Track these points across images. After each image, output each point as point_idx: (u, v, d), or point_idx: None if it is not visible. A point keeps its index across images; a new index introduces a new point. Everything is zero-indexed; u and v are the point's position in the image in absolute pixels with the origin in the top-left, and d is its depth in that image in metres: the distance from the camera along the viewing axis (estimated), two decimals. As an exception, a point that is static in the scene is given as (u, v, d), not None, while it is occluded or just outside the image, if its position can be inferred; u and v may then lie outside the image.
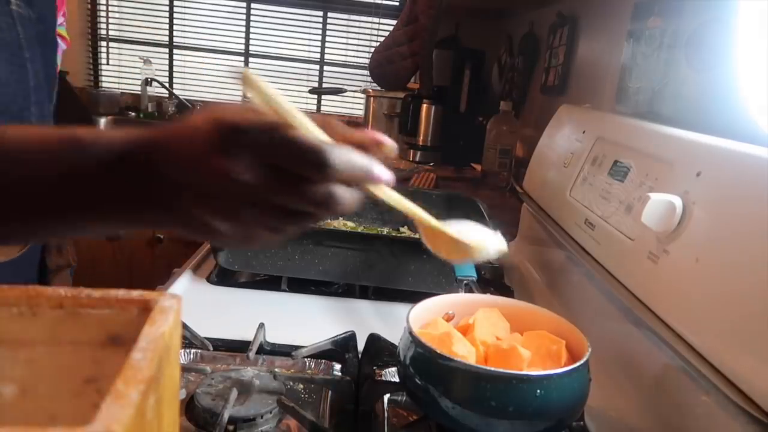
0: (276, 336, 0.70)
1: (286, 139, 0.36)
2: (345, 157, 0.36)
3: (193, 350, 0.67)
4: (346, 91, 2.45)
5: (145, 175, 0.39)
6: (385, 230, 1.12)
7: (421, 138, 2.02)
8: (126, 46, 2.65)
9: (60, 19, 1.25)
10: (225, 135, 0.36)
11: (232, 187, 0.36)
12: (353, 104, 2.70)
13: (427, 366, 0.52)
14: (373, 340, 0.70)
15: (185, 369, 0.63)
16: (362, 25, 2.65)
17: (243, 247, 0.42)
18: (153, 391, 0.21)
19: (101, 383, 0.26)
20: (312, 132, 0.37)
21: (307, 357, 0.68)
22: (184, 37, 2.65)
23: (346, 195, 0.37)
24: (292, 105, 0.37)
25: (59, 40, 1.29)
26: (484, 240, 0.49)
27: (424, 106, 1.99)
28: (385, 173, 0.39)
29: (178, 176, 0.38)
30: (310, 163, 0.35)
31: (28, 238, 0.50)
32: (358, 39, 2.68)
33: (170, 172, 0.38)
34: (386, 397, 0.63)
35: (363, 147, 0.39)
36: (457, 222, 0.49)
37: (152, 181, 0.39)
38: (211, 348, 0.67)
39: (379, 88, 2.16)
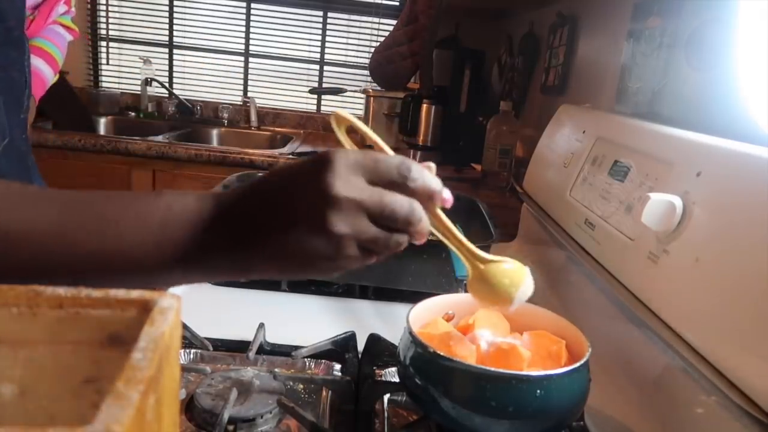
0: (276, 336, 0.70)
1: (380, 157, 0.42)
2: (422, 171, 0.43)
3: (193, 350, 0.67)
4: (346, 91, 2.45)
5: (259, 214, 0.42)
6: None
7: (421, 138, 2.02)
8: (126, 46, 2.65)
9: (63, 8, 1.21)
10: (337, 165, 0.40)
11: (341, 215, 0.40)
12: (353, 104, 2.70)
13: (427, 366, 0.52)
14: (373, 340, 0.70)
15: (185, 369, 0.63)
16: (362, 25, 2.65)
17: (330, 274, 0.49)
18: (153, 391, 0.21)
19: (101, 383, 0.26)
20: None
21: (307, 357, 0.68)
22: (184, 37, 2.65)
23: (423, 214, 0.43)
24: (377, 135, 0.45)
25: (63, 30, 1.24)
26: (519, 288, 0.50)
27: (424, 106, 1.99)
28: (448, 194, 0.46)
29: (291, 208, 0.41)
30: (400, 173, 0.42)
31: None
32: (358, 39, 2.68)
33: (283, 204, 0.41)
34: (386, 397, 0.63)
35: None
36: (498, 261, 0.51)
37: (265, 217, 0.41)
38: (211, 348, 0.67)
39: (379, 88, 2.16)
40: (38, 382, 0.26)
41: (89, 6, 2.56)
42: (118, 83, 2.67)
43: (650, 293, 0.61)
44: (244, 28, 2.63)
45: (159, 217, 0.41)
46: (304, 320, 0.82)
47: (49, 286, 0.26)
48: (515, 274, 0.50)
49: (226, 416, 0.54)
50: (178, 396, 0.31)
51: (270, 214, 0.41)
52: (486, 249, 0.89)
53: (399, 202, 0.42)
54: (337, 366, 0.68)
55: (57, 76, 1.23)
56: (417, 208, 0.43)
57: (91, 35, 2.60)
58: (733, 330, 0.49)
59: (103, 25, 2.60)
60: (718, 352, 0.50)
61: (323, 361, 0.68)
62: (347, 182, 0.40)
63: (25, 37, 0.66)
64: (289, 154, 2.00)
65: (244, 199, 0.43)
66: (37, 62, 1.14)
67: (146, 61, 2.55)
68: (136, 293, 0.26)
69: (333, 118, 0.46)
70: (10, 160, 0.67)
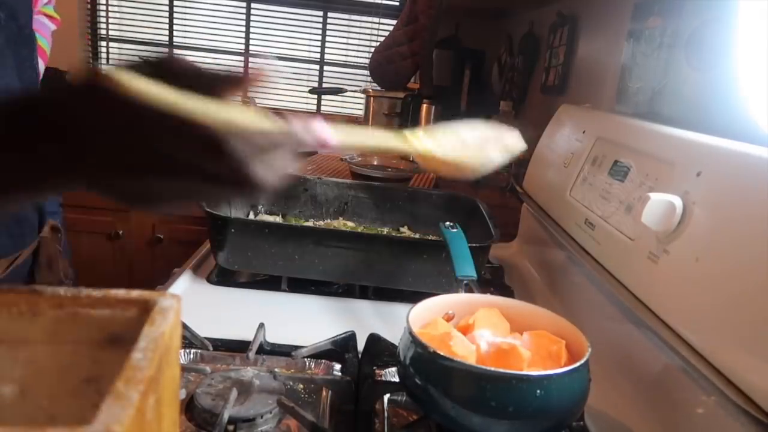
0: (276, 336, 0.70)
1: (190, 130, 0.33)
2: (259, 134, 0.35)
3: (193, 350, 0.67)
4: (346, 91, 2.45)
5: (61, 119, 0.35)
6: (385, 230, 1.12)
7: (421, 138, 2.02)
8: (126, 46, 2.65)
9: None
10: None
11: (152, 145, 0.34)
12: (353, 104, 2.70)
13: (427, 366, 0.52)
14: (373, 340, 0.70)
15: (185, 369, 0.63)
16: (362, 25, 2.65)
17: (150, 208, 0.41)
18: (153, 391, 0.21)
19: (101, 383, 0.26)
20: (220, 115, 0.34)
21: (307, 357, 0.68)
22: (184, 37, 2.65)
23: (264, 174, 0.35)
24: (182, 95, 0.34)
25: (47, 20, 1.21)
26: (484, 150, 0.41)
27: (424, 106, 1.99)
28: (322, 131, 0.37)
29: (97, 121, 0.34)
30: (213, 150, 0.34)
31: None
32: (358, 39, 2.68)
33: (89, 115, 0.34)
34: (386, 397, 0.63)
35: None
36: (460, 125, 0.41)
37: (68, 125, 0.35)
38: (211, 348, 0.67)
39: (379, 88, 2.16)
40: (38, 382, 0.26)
41: (89, 6, 2.56)
42: (118, 83, 2.67)
43: (650, 293, 0.61)
44: (244, 28, 2.64)
45: None
46: (304, 320, 0.82)
47: (49, 287, 0.26)
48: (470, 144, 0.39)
49: (226, 416, 0.54)
50: (178, 396, 0.31)
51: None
52: (486, 249, 0.89)
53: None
54: (337, 366, 0.68)
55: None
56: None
57: (91, 35, 2.60)
58: (733, 330, 0.49)
59: (103, 25, 2.60)
60: (718, 352, 0.50)
61: (323, 361, 0.68)
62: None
63: (34, 34, 0.66)
64: (289, 154, 2.00)
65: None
66: None
67: (146, 61, 2.55)
68: (136, 293, 0.27)
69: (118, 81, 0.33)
70: None
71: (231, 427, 0.55)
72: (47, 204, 0.80)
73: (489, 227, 0.94)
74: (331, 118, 2.70)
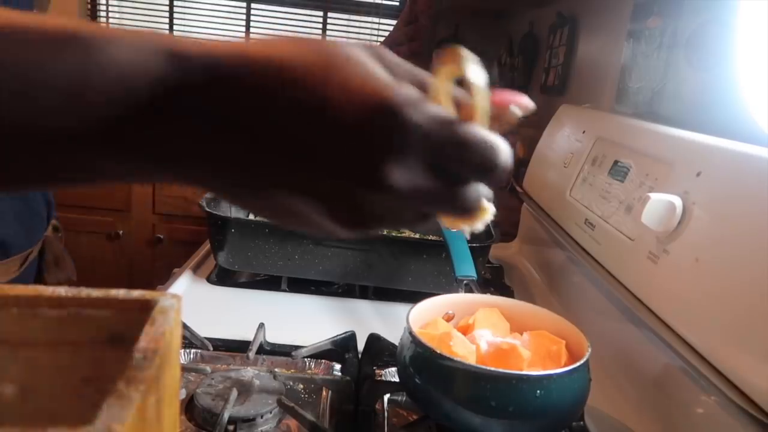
0: (276, 336, 0.70)
1: (461, 137, 0.29)
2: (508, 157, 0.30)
3: (193, 350, 0.67)
4: (346, 91, 2.45)
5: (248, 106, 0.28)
6: (385, 230, 1.12)
7: (421, 138, 2.02)
8: (126, 46, 2.65)
9: None
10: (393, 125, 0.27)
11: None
12: (353, 104, 2.70)
13: (427, 366, 0.52)
14: (373, 340, 0.70)
15: (185, 369, 0.63)
16: (362, 25, 2.65)
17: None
18: (153, 391, 0.21)
19: (102, 383, 0.26)
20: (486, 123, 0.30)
21: (307, 357, 0.68)
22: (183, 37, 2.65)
23: (485, 197, 0.31)
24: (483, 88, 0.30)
25: None
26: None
27: (424, 106, 1.99)
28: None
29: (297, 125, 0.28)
30: (482, 168, 0.29)
31: (40, 184, 0.36)
32: (358, 39, 2.68)
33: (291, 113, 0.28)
34: (386, 397, 0.63)
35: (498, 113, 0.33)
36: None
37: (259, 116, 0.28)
38: (211, 348, 0.67)
39: (379, 88, 2.16)
40: (38, 382, 0.26)
41: (89, 6, 2.56)
42: (118, 83, 2.67)
43: (650, 293, 0.61)
44: (244, 28, 2.63)
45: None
46: (304, 320, 0.82)
47: (49, 287, 0.26)
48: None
49: (226, 416, 0.54)
50: (178, 396, 0.31)
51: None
52: (486, 249, 0.90)
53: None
54: (337, 366, 0.68)
55: None
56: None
57: (91, 35, 2.60)
58: (733, 330, 0.49)
59: (103, 25, 2.60)
60: (718, 352, 0.50)
61: (323, 361, 0.68)
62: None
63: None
64: (289, 154, 2.00)
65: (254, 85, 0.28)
66: None
67: (146, 61, 2.56)
68: (136, 293, 0.26)
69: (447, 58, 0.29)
70: None
71: (231, 427, 0.55)
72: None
73: (489, 227, 0.94)
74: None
